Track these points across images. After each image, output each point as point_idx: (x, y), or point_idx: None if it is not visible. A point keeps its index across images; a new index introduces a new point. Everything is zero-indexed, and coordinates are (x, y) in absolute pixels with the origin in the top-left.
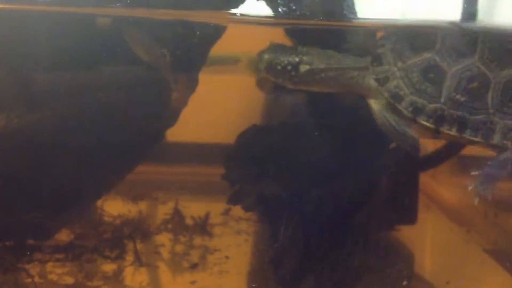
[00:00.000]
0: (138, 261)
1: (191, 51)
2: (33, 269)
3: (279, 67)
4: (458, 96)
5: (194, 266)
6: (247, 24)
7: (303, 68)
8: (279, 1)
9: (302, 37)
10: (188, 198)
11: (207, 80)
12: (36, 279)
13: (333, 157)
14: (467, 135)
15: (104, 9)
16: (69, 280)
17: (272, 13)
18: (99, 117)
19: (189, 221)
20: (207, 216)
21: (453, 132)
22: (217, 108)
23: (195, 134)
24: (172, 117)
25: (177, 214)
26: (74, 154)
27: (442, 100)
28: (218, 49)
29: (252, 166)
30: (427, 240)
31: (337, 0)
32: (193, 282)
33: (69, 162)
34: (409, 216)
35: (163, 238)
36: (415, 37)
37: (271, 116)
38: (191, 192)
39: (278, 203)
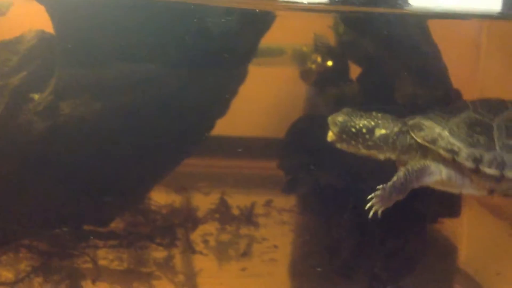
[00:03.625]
0: (191, 249)
1: (243, 41)
2: (88, 255)
3: (353, 130)
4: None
5: (244, 254)
6: (301, 11)
7: (378, 132)
8: None
9: (358, 26)
10: (229, 189)
11: (252, 72)
12: (91, 265)
13: None
14: None
15: None
16: (122, 266)
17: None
18: (157, 108)
19: (234, 211)
20: (252, 206)
21: None
22: (261, 100)
23: (239, 126)
24: (223, 108)
25: (223, 204)
26: (132, 143)
27: (497, 148)
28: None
29: (306, 156)
30: (470, 233)
31: None
32: (243, 269)
33: (127, 151)
34: (453, 209)
35: (210, 227)
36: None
37: (315, 108)
38: (231, 184)
39: (333, 191)
